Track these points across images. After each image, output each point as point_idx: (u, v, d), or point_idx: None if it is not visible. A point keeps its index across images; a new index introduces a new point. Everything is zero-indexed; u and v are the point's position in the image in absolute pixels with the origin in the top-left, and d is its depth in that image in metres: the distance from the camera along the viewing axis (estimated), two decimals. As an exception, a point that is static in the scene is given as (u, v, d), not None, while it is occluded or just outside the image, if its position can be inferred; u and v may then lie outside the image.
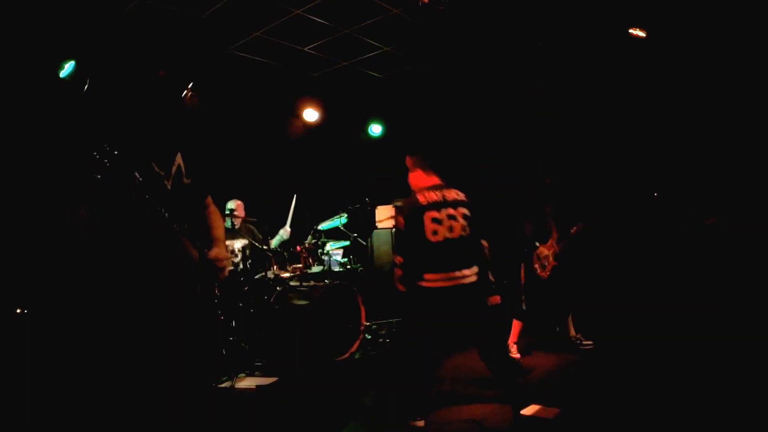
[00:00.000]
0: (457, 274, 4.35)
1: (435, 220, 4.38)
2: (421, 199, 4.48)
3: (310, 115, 8.57)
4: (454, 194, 4.55)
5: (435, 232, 4.36)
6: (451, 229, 4.38)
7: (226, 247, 3.48)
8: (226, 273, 3.30)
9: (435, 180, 4.70)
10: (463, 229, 4.40)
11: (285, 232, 7.19)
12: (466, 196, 4.62)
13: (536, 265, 6.33)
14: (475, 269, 4.44)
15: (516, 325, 6.38)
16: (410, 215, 4.45)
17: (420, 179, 4.75)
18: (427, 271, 4.38)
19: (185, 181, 3.08)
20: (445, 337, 4.82)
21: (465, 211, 4.50)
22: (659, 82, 7.49)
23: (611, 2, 6.21)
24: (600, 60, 7.50)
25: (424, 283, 4.40)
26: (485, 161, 9.35)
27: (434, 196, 4.49)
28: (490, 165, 9.31)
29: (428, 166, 4.78)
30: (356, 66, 8.05)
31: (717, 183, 7.37)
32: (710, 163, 7.40)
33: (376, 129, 9.36)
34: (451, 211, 4.43)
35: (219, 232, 3.29)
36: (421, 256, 4.39)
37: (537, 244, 6.35)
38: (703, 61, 7.03)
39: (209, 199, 3.35)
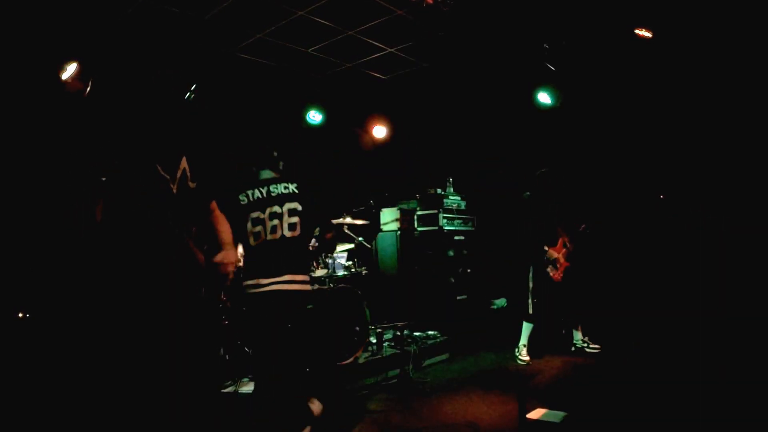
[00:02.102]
0: (285, 278, 3.91)
1: (257, 221, 3.97)
2: (242, 197, 4.03)
3: (314, 116, 8.53)
4: (281, 188, 4.08)
5: (257, 234, 3.97)
6: (273, 229, 3.97)
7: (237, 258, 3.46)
8: (231, 277, 3.28)
9: (271, 173, 4.22)
10: (291, 227, 3.99)
11: None
12: (303, 188, 4.13)
13: (548, 268, 6.29)
14: (305, 276, 4.04)
15: (526, 328, 6.35)
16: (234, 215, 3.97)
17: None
18: (252, 276, 3.95)
19: (191, 184, 3.06)
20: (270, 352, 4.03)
21: (295, 204, 4.05)
22: (665, 83, 7.44)
23: (617, 2, 6.17)
24: (605, 60, 7.45)
25: (255, 289, 3.93)
26: (486, 161, 9.32)
27: (258, 192, 4.05)
28: (490, 165, 9.28)
29: (277, 160, 4.30)
30: (360, 67, 8.02)
31: (719, 183, 7.34)
32: (712, 163, 7.35)
33: (379, 131, 9.32)
34: (274, 208, 4.00)
35: (227, 237, 3.28)
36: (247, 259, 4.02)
37: (546, 248, 6.31)
38: (709, 62, 6.98)
39: (214, 204, 3.34)
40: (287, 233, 3.97)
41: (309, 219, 4.09)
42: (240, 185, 4.10)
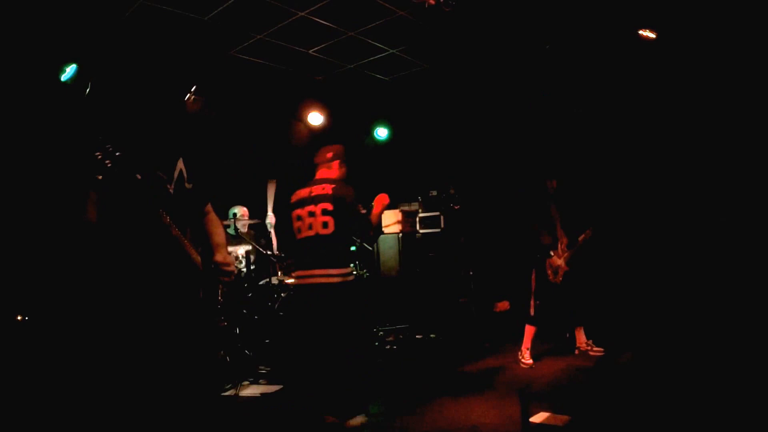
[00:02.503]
0: (315, 272, 4.39)
1: (298, 218, 4.53)
2: (293, 197, 4.65)
3: (315, 118, 8.50)
4: (316, 190, 4.56)
5: (299, 230, 4.52)
6: (310, 226, 4.45)
7: (230, 253, 3.46)
8: (233, 278, 3.32)
9: (322, 174, 4.73)
10: (323, 225, 4.40)
11: (270, 219, 7.08)
12: (338, 189, 4.53)
13: (549, 272, 6.24)
14: (337, 270, 4.41)
15: (528, 331, 6.29)
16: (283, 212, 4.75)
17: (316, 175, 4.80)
18: (296, 269, 4.61)
19: (187, 186, 3.04)
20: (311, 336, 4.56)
21: (327, 206, 4.45)
22: (669, 84, 7.40)
23: (621, 3, 6.13)
24: (609, 61, 7.41)
25: (294, 281, 4.62)
26: (489, 163, 9.28)
27: (303, 192, 4.59)
28: (493, 166, 9.24)
29: (330, 162, 4.77)
30: (361, 69, 7.98)
31: (723, 184, 7.29)
32: (716, 165, 7.31)
33: (382, 133, 9.29)
34: (311, 207, 4.48)
35: (220, 239, 3.28)
36: (293, 253, 4.69)
37: (551, 252, 6.25)
38: (713, 63, 6.94)
39: (209, 207, 3.33)
40: (321, 231, 4.39)
41: (342, 219, 4.42)
42: (294, 187, 4.70)
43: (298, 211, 4.52)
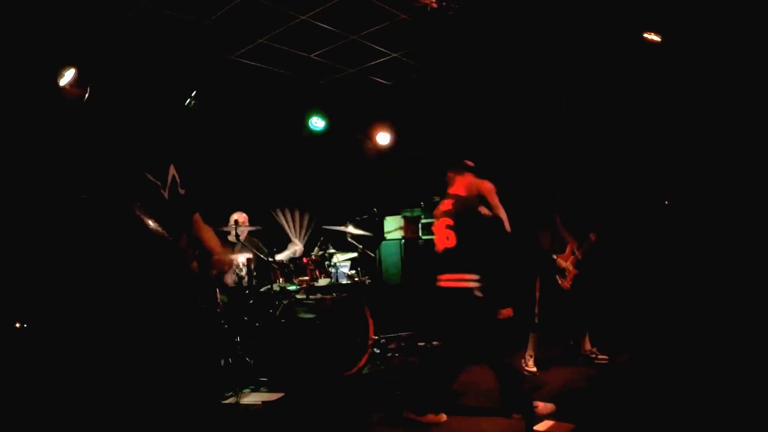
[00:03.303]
0: (444, 276, 4.89)
1: (432, 232, 5.13)
2: (436, 211, 5.11)
3: (317, 123, 8.47)
4: (442, 207, 5.04)
5: (435, 243, 5.04)
6: (439, 240, 4.98)
7: (231, 260, 3.43)
8: (226, 277, 3.28)
9: (450, 189, 5.17)
10: (447, 239, 4.87)
11: (299, 250, 7.09)
12: (457, 204, 4.96)
13: (557, 276, 6.18)
14: (461, 275, 4.83)
15: (532, 338, 6.23)
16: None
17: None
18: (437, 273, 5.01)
19: (180, 191, 3.01)
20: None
21: (448, 221, 4.90)
22: (673, 88, 7.36)
23: (625, 6, 6.09)
24: (613, 65, 7.37)
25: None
26: (491, 167, 9.22)
27: (437, 208, 5.11)
28: (496, 171, 9.18)
29: (454, 178, 5.22)
30: (363, 73, 7.95)
31: (726, 187, 7.25)
32: (719, 168, 7.27)
33: (383, 137, 9.24)
34: (437, 222, 5.00)
35: (214, 243, 3.23)
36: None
37: (554, 256, 6.20)
38: (718, 67, 6.90)
39: (197, 216, 3.29)
40: (446, 244, 4.87)
41: (463, 231, 4.83)
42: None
43: (433, 227, 5.09)
